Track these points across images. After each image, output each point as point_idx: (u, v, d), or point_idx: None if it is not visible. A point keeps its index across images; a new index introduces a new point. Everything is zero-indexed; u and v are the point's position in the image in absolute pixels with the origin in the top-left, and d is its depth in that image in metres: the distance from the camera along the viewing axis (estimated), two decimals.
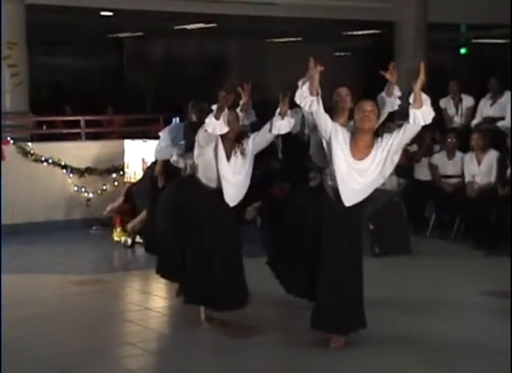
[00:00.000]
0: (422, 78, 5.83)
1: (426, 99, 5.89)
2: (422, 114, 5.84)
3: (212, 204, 6.63)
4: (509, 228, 9.42)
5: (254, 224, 8.55)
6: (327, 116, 6.04)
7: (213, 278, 6.58)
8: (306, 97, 5.98)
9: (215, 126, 6.32)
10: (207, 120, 6.37)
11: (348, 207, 6.05)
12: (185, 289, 6.91)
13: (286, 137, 6.90)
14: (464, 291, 7.86)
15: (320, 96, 5.98)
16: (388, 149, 5.98)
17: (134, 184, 8.93)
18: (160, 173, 7.79)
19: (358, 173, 6.02)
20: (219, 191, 6.57)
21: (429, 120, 5.90)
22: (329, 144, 6.04)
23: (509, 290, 7.60)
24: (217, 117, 6.32)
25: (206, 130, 6.35)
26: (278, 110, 6.41)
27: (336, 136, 6.02)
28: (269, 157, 10.16)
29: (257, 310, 7.13)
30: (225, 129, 6.39)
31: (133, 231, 8.31)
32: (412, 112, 5.86)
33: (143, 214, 7.98)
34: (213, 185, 6.61)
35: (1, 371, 5.61)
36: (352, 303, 6.11)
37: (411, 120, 5.87)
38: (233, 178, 6.55)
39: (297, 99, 6.25)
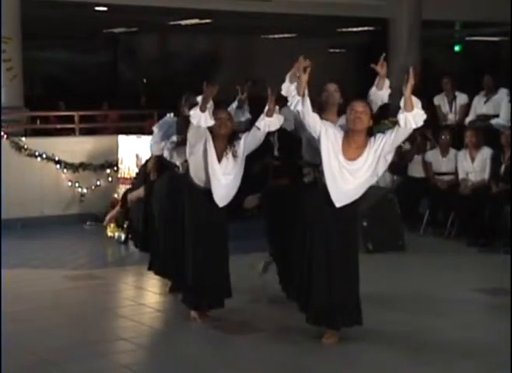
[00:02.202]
0: (411, 81, 5.79)
1: (417, 102, 5.85)
2: (413, 117, 5.80)
3: (204, 205, 6.54)
4: (502, 225, 9.45)
5: (252, 218, 8.50)
6: (315, 116, 5.99)
7: (203, 281, 6.58)
8: (294, 96, 5.96)
9: (201, 118, 6.18)
10: (191, 112, 6.22)
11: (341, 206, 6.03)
12: (183, 290, 6.90)
13: (282, 135, 6.88)
14: (458, 287, 7.85)
15: (307, 96, 5.94)
16: (381, 150, 5.95)
17: (129, 189, 8.88)
18: (153, 168, 7.78)
19: (350, 173, 5.98)
20: (209, 191, 6.49)
21: (420, 123, 5.85)
22: (319, 143, 5.99)
23: (502, 287, 7.63)
24: (202, 109, 6.18)
25: (192, 124, 6.22)
26: (266, 109, 6.33)
27: (327, 136, 5.97)
28: (265, 154, 10.16)
29: (251, 306, 7.15)
30: (210, 122, 6.25)
31: (131, 202, 8.27)
32: (402, 116, 5.80)
33: (141, 190, 7.92)
34: (205, 185, 6.54)
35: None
36: (345, 299, 6.09)
37: (402, 123, 5.82)
38: (224, 179, 6.47)
39: (284, 92, 6.24)
